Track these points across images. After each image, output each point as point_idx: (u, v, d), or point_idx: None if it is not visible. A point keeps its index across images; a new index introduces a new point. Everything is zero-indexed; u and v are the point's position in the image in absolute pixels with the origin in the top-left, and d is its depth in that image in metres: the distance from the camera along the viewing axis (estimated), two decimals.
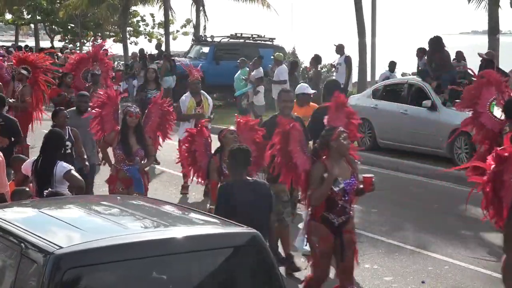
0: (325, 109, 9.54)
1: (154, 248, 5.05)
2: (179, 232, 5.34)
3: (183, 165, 10.59)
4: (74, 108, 12.74)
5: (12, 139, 12.16)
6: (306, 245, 8.45)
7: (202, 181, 10.32)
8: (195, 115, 13.89)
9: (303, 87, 13.48)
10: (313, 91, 13.51)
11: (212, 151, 9.95)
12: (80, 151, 11.35)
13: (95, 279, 4.89)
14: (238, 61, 23.78)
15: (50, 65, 17.41)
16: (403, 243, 11.15)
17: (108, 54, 18.34)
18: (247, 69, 22.91)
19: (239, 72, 23.08)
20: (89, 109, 11.92)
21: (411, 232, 11.85)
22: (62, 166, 8.89)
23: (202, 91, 14.35)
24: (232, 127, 9.27)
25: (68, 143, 10.83)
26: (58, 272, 4.71)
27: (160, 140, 11.52)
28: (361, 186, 8.16)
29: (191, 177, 10.33)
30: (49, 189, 7.91)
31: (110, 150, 11.01)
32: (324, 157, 8.05)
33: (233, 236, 5.46)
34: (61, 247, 4.84)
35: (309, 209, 8.16)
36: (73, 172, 8.97)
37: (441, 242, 11.07)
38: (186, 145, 10.06)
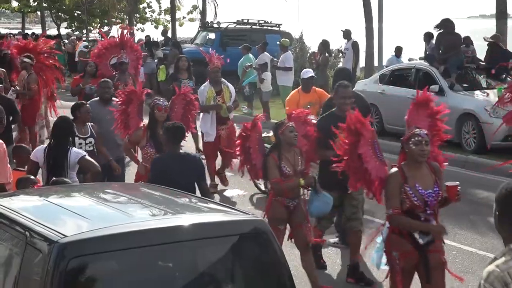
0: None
1: (159, 236, 5.03)
2: (184, 220, 5.32)
3: (241, 162, 9.04)
4: (97, 98, 11.83)
5: (11, 118, 12.21)
6: (385, 264, 7.50)
7: (257, 180, 9.70)
8: (214, 106, 13.38)
9: (304, 72, 13.46)
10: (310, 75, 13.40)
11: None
12: (101, 148, 10.50)
13: (100, 268, 4.87)
14: (240, 47, 23.49)
15: (52, 49, 16.60)
16: None
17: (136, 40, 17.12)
18: (251, 55, 22.69)
19: (242, 58, 22.73)
20: (113, 98, 11.31)
21: None
22: (76, 152, 8.92)
23: (222, 79, 13.72)
24: (291, 124, 8.52)
25: (90, 139, 10.27)
26: (63, 260, 4.68)
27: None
28: (445, 195, 7.27)
29: (241, 175, 9.47)
30: (53, 178, 7.90)
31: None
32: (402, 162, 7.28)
33: (238, 224, 5.43)
34: (65, 236, 4.82)
35: (388, 221, 7.33)
36: (87, 157, 8.96)
37: (449, 227, 10.99)
38: (239, 141, 8.95)
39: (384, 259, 7.42)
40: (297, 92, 13.11)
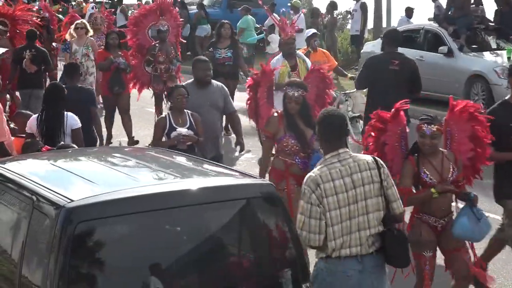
0: None
1: (166, 200, 5.01)
2: (192, 184, 5.29)
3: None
4: (192, 80, 9.70)
5: (42, 67, 13.62)
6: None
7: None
8: (285, 84, 11.84)
9: (307, 31, 13.77)
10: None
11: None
12: (201, 142, 8.90)
13: (107, 232, 4.86)
14: (239, 8, 23.10)
15: (32, 16, 15.40)
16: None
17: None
18: (249, 17, 22.31)
19: (240, 20, 22.10)
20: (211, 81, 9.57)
21: None
22: (74, 119, 8.76)
23: (298, 51, 11.64)
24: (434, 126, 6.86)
25: (188, 131, 8.72)
26: (70, 225, 4.68)
27: None
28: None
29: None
30: (62, 142, 7.85)
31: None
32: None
33: (246, 188, 5.41)
34: (72, 200, 4.81)
35: None
36: (80, 130, 8.76)
37: None
38: (374, 133, 7.14)
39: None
40: (303, 51, 13.02)
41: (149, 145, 10.74)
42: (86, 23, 15.77)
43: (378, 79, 10.10)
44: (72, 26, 15.53)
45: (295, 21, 11.82)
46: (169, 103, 9.16)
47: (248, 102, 8.87)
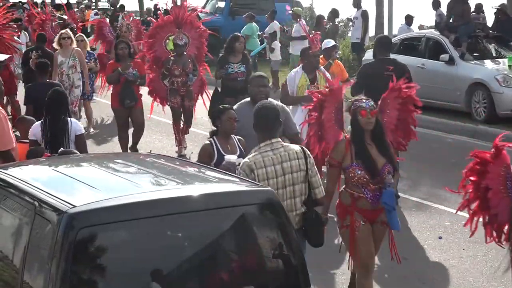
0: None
1: (168, 207, 5.02)
2: (193, 190, 5.30)
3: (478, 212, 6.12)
4: (248, 99, 8.56)
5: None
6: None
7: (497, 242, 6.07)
8: (307, 98, 10.34)
9: (326, 42, 13.34)
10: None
11: None
12: None
13: (109, 238, 4.87)
14: (244, 16, 23.16)
15: (9, 22, 14.82)
16: (419, 198, 11.11)
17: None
18: (254, 24, 22.36)
19: (245, 27, 22.19)
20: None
21: (428, 187, 11.80)
22: (78, 125, 8.77)
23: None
24: None
25: (239, 159, 7.33)
26: (72, 231, 4.69)
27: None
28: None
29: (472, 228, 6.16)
30: (61, 148, 7.86)
31: None
32: None
33: (248, 194, 5.42)
34: (74, 206, 4.82)
35: None
36: (84, 137, 8.79)
37: (458, 197, 10.97)
38: (473, 178, 6.04)
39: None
40: (323, 62, 12.85)
41: None
42: (70, 32, 15.19)
43: (373, 87, 10.03)
44: (56, 37, 15.10)
45: (318, 33, 11.98)
46: (214, 127, 7.78)
47: (311, 124, 7.67)
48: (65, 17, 21.17)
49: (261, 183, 6.14)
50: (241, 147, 7.64)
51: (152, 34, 13.99)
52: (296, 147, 6.52)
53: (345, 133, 7.31)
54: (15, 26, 16.02)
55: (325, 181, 7.33)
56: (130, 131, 13.65)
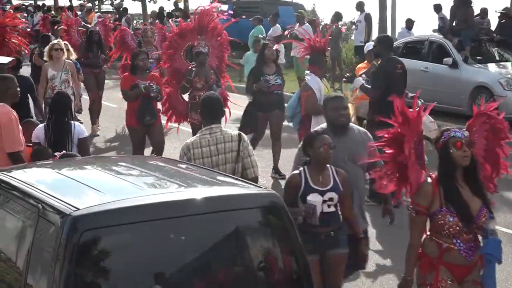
0: None
1: (171, 210, 5.02)
2: (196, 193, 5.30)
3: None
4: (324, 125, 7.39)
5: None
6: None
7: None
8: None
9: (368, 44, 13.37)
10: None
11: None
12: (352, 213, 6.93)
13: (112, 241, 4.87)
14: (251, 19, 23.29)
15: (20, 24, 14.66)
16: None
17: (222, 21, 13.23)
18: (261, 27, 22.50)
19: (253, 30, 22.40)
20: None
21: None
22: (81, 129, 8.76)
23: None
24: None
25: (330, 195, 6.62)
26: (75, 233, 4.69)
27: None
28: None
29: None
30: (63, 151, 7.85)
31: None
32: None
33: (251, 197, 5.41)
34: (78, 209, 4.81)
35: None
36: (87, 141, 8.75)
37: None
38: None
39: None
40: (366, 66, 12.86)
41: None
42: (62, 43, 13.92)
43: (389, 85, 10.31)
44: (47, 48, 13.82)
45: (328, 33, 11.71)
46: (306, 156, 6.81)
47: (386, 163, 6.14)
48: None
49: (197, 160, 6.99)
50: (336, 179, 6.65)
51: (171, 44, 12.83)
52: (233, 132, 7.24)
53: (428, 171, 6.02)
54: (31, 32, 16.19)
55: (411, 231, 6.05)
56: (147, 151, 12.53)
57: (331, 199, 6.60)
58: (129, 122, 11.79)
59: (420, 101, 11.70)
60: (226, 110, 12.32)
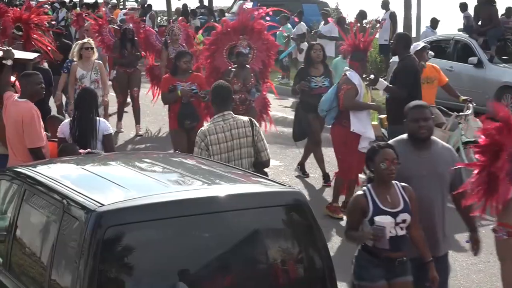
0: None
1: (196, 206, 5.03)
2: (220, 190, 5.31)
3: None
4: (405, 136, 6.43)
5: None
6: None
7: None
8: (376, 107, 10.45)
9: (415, 44, 11.87)
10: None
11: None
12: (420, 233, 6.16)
13: (136, 237, 4.88)
14: (278, 17, 23.26)
15: (45, 22, 14.34)
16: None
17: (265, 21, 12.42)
18: (289, 25, 22.53)
19: (280, 28, 22.29)
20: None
21: None
22: (106, 125, 8.76)
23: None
24: None
25: (404, 216, 5.95)
26: (100, 229, 4.71)
27: None
28: None
29: None
30: (88, 149, 7.88)
31: None
32: None
33: (275, 195, 5.41)
34: (102, 205, 4.84)
35: None
36: (112, 137, 8.71)
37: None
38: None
39: None
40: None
41: None
42: (92, 42, 13.59)
43: (414, 82, 10.20)
44: (76, 46, 13.40)
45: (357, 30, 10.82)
46: (369, 171, 6.13)
47: (477, 175, 5.44)
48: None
49: (214, 146, 7.34)
50: (405, 197, 5.99)
51: (214, 41, 12.29)
52: (244, 118, 7.61)
53: None
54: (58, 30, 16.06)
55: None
56: None
57: (404, 221, 5.91)
58: (171, 125, 11.42)
59: (472, 104, 11.75)
60: (267, 117, 12.47)
